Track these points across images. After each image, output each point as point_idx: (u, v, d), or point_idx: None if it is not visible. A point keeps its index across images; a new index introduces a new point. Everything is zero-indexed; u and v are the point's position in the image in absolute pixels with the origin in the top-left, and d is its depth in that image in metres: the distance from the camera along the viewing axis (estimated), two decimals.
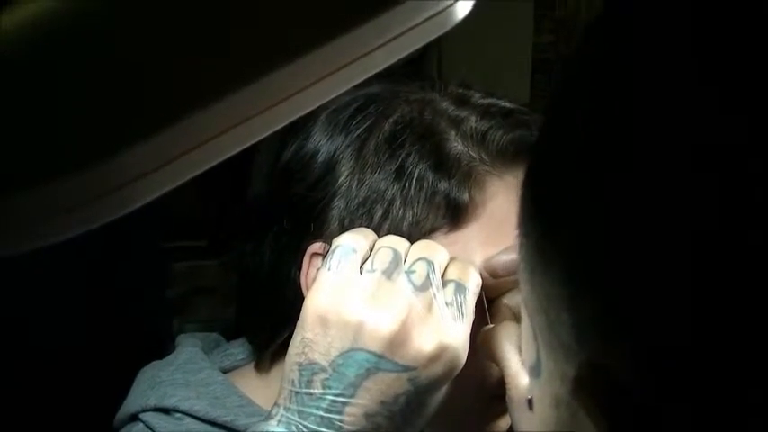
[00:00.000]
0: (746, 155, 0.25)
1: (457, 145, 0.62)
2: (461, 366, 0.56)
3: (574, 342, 0.29)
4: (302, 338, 0.55)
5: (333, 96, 0.35)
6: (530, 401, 0.37)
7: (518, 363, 0.55)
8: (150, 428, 0.65)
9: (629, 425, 0.28)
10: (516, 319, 0.60)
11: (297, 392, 0.55)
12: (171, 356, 0.70)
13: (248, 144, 0.34)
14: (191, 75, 0.31)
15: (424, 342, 0.54)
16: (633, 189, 0.27)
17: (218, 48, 0.32)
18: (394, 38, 0.34)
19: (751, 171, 0.25)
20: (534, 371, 0.35)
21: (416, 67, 0.71)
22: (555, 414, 0.33)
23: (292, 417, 0.54)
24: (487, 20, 1.64)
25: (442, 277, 0.57)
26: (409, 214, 0.60)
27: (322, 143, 0.64)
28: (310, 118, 0.65)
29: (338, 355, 0.54)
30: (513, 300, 0.61)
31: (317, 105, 0.35)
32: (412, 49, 0.36)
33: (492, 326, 0.59)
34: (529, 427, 0.54)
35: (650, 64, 0.27)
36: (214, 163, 0.33)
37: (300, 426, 0.54)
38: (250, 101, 0.33)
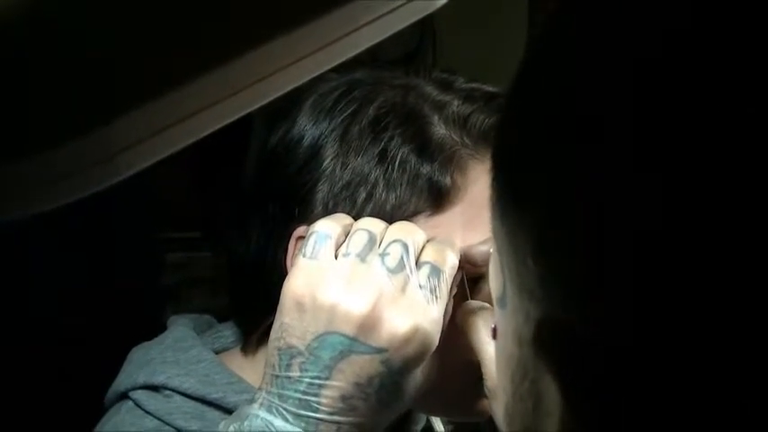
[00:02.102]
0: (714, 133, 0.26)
1: (440, 129, 0.63)
2: (434, 347, 0.56)
3: (537, 288, 0.30)
4: (281, 324, 0.57)
5: (323, 70, 0.36)
6: (494, 330, 0.37)
7: (493, 353, 0.56)
8: (139, 406, 0.66)
9: (586, 383, 0.28)
10: None
11: (277, 376, 0.56)
12: (162, 336, 0.71)
13: (241, 115, 0.35)
14: (184, 45, 0.32)
15: (396, 324, 0.55)
16: (598, 152, 0.28)
17: (212, 19, 0.32)
18: (383, 14, 0.35)
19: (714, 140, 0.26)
20: (500, 302, 0.35)
21: (411, 62, 0.72)
22: (518, 353, 0.33)
23: (273, 400, 0.56)
24: (482, 14, 1.64)
25: (417, 259, 0.57)
26: (392, 197, 0.61)
27: (307, 128, 0.65)
28: (296, 104, 0.66)
29: (313, 339, 0.55)
30: None
31: (308, 79, 0.36)
32: (402, 26, 0.37)
33: (470, 307, 0.60)
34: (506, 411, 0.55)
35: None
36: (206, 133, 0.34)
37: (281, 408, 0.55)
38: (243, 72, 0.34)
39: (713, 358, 0.26)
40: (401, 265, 0.56)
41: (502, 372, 0.36)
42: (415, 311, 0.55)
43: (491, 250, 0.36)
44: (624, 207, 0.27)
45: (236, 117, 0.35)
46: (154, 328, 0.74)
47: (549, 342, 0.30)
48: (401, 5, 0.35)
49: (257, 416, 0.55)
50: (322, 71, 0.35)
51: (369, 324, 0.54)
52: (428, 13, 0.37)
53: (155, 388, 0.67)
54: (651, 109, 0.26)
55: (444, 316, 0.58)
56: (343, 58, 0.35)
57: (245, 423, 0.55)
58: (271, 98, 0.36)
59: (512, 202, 0.32)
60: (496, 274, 0.35)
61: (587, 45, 0.29)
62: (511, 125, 0.34)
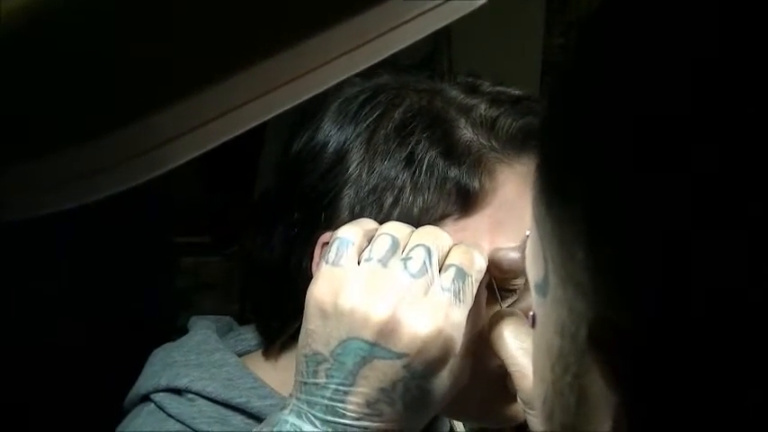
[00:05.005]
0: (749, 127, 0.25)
1: (467, 132, 0.62)
2: (456, 350, 0.56)
3: (587, 282, 0.30)
4: (306, 330, 0.57)
5: (358, 70, 0.36)
6: (533, 318, 0.36)
7: (526, 365, 0.55)
8: (161, 409, 0.66)
9: (642, 383, 0.28)
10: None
11: (305, 383, 0.56)
12: (184, 338, 0.71)
13: (272, 115, 0.35)
14: (219, 42, 0.32)
15: (416, 328, 0.54)
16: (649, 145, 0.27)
17: (244, 19, 0.32)
18: (409, 20, 0.35)
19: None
20: (540, 289, 0.34)
21: (427, 66, 0.72)
22: (559, 344, 0.32)
23: (302, 406, 0.56)
24: (498, 22, 1.64)
25: (443, 262, 0.57)
26: (419, 201, 0.61)
27: (332, 133, 0.64)
28: (320, 109, 0.66)
29: (337, 345, 0.55)
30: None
31: (340, 79, 0.35)
32: (429, 32, 0.36)
33: (498, 317, 0.59)
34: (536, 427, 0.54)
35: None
36: (240, 131, 0.34)
37: (309, 414, 0.55)
38: (276, 71, 0.33)
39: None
40: (423, 270, 0.56)
41: (540, 361, 0.35)
42: (436, 315, 0.55)
43: (528, 235, 0.35)
44: (684, 205, 0.26)
45: (271, 116, 0.34)
46: (167, 331, 0.74)
47: (602, 341, 0.29)
48: (437, 6, 0.34)
49: (287, 421, 0.55)
50: (355, 71, 0.35)
51: (388, 329, 0.54)
52: (464, 14, 0.36)
53: (177, 391, 0.66)
54: (708, 106, 0.26)
55: (473, 318, 0.57)
56: (378, 59, 0.35)
57: (276, 428, 0.55)
58: (302, 99, 0.35)
59: (560, 195, 0.31)
60: (536, 261, 0.34)
61: (636, 41, 0.29)
62: (558, 119, 0.33)
